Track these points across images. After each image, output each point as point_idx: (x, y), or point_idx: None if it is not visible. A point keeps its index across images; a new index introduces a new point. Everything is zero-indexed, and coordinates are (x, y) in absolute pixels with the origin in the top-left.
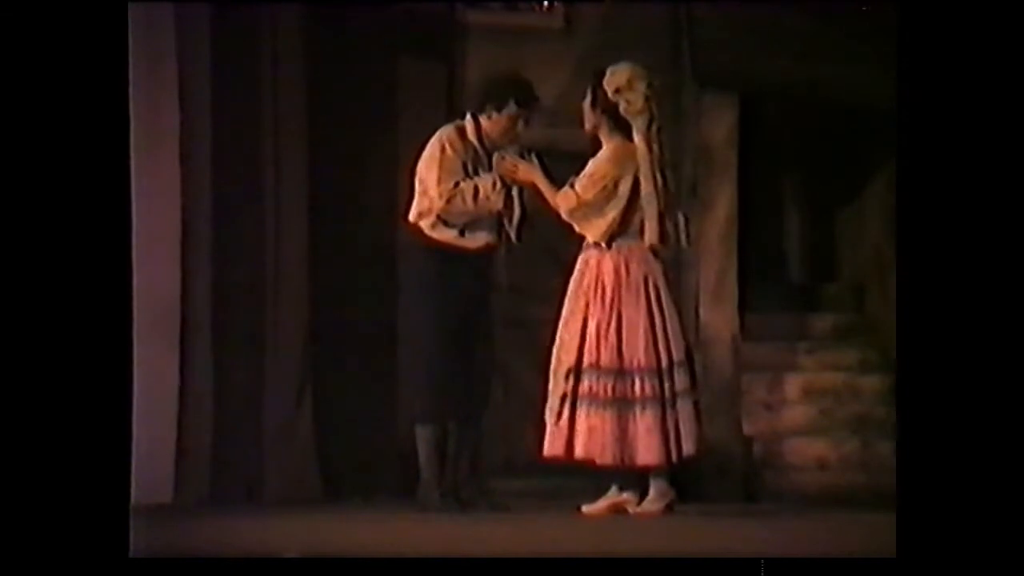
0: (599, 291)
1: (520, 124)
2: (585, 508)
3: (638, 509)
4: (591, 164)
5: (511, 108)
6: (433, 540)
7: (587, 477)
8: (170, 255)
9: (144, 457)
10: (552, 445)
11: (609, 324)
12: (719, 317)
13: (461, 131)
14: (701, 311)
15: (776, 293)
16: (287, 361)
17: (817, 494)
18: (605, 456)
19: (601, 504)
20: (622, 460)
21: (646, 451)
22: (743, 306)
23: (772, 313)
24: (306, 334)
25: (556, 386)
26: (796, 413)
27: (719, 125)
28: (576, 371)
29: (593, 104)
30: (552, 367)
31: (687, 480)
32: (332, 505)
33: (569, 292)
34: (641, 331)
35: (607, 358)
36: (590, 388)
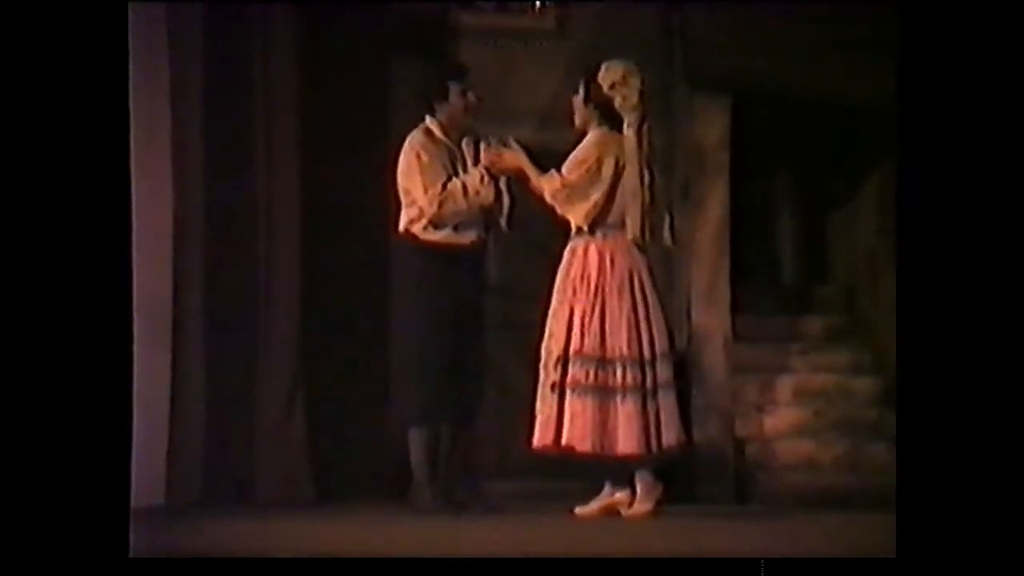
0: (585, 280)
1: (470, 96)
2: (578, 510)
3: (630, 511)
4: (576, 149)
5: (453, 89)
6: (426, 542)
7: (581, 478)
8: (162, 257)
9: (136, 459)
10: (542, 435)
11: (593, 312)
12: (711, 319)
13: (429, 133)
14: (693, 313)
15: (768, 295)
16: (279, 363)
17: (809, 495)
18: (586, 443)
19: (594, 506)
20: (602, 448)
21: (626, 440)
22: (735, 308)
23: (764, 315)
24: (298, 336)
25: (547, 376)
26: (788, 415)
27: (711, 127)
28: (563, 360)
29: (586, 99)
30: (543, 358)
31: (679, 481)
32: (324, 507)
33: (556, 283)
34: (624, 321)
35: (590, 346)
36: (574, 376)
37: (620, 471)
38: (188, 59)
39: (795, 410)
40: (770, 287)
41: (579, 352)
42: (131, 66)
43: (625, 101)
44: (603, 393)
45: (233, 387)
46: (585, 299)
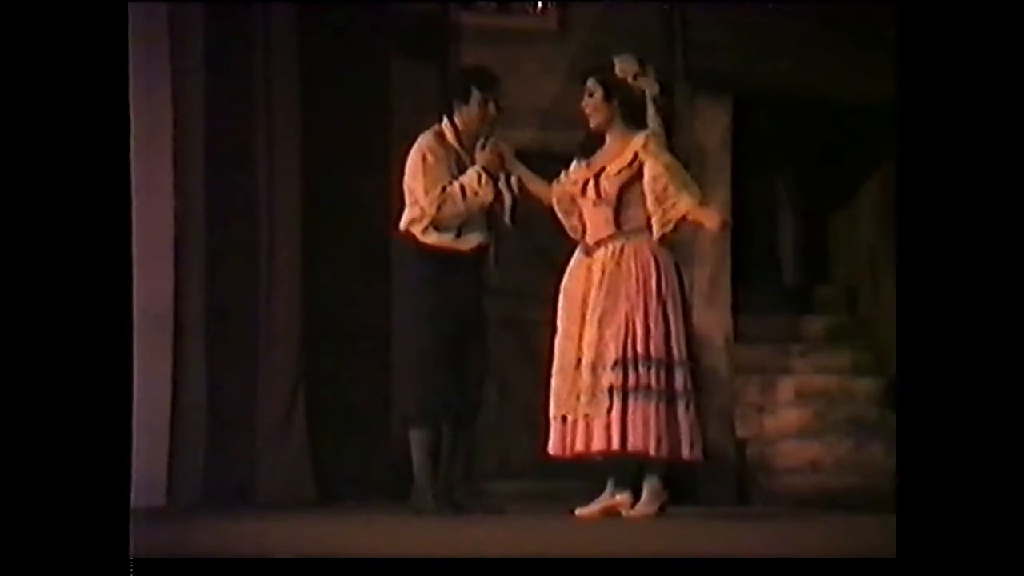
0: (640, 283)
1: (491, 108)
2: (579, 511)
3: (632, 512)
4: (664, 161)
5: (476, 95)
6: (427, 543)
7: (582, 479)
8: (163, 258)
9: (137, 460)
10: (600, 439)
11: (656, 315)
12: (712, 319)
13: (440, 136)
14: (694, 313)
15: (769, 295)
16: (280, 363)
17: (811, 496)
18: (661, 449)
19: (595, 507)
20: (670, 453)
21: (692, 445)
22: (736, 308)
23: (765, 315)
24: (299, 337)
25: (596, 380)
26: (789, 415)
27: (713, 127)
28: (623, 362)
29: (607, 97)
30: (588, 360)
31: (681, 483)
32: (325, 508)
33: (605, 284)
34: (682, 323)
35: (656, 349)
36: (640, 379)
37: (622, 472)
38: (189, 59)
39: (796, 411)
40: (771, 287)
41: (645, 355)
42: (131, 66)
43: (652, 89)
44: (669, 397)
45: (234, 388)
46: (644, 302)
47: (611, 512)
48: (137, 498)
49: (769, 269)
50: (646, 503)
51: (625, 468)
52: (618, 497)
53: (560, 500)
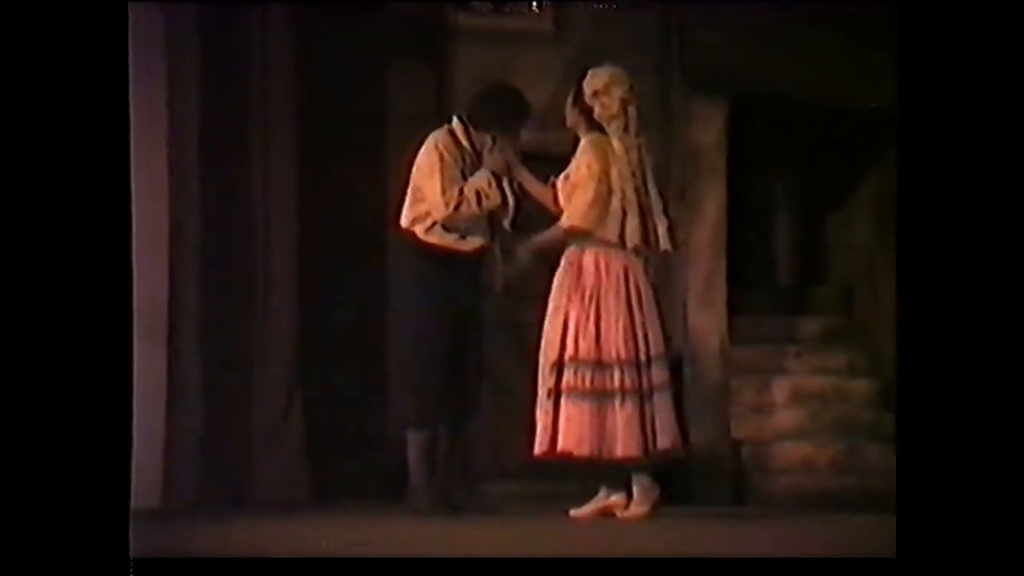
0: (579, 287)
1: (518, 143)
2: (573, 512)
3: (626, 513)
4: (575, 167)
5: (513, 131)
6: (423, 543)
7: (577, 481)
8: (159, 259)
9: (134, 461)
10: (540, 442)
11: (588, 317)
12: (707, 320)
13: (452, 135)
14: (689, 314)
15: (765, 296)
16: (276, 364)
17: (805, 497)
18: (583, 448)
19: (589, 508)
20: (600, 452)
21: (624, 444)
22: (731, 309)
23: (761, 316)
24: (295, 338)
25: (543, 382)
26: (784, 416)
27: (708, 128)
28: (559, 365)
29: (574, 102)
30: (540, 364)
31: (676, 483)
32: (322, 509)
33: (553, 290)
34: (620, 324)
35: (585, 350)
36: (569, 381)
37: (616, 474)
38: (186, 60)
39: (792, 411)
40: (767, 288)
41: (574, 358)
42: (131, 67)
43: (604, 111)
44: (600, 397)
45: (231, 389)
46: (580, 305)
47: (605, 513)
48: (133, 499)
49: (765, 270)
50: (637, 502)
51: (618, 470)
52: (612, 498)
53: (555, 501)
